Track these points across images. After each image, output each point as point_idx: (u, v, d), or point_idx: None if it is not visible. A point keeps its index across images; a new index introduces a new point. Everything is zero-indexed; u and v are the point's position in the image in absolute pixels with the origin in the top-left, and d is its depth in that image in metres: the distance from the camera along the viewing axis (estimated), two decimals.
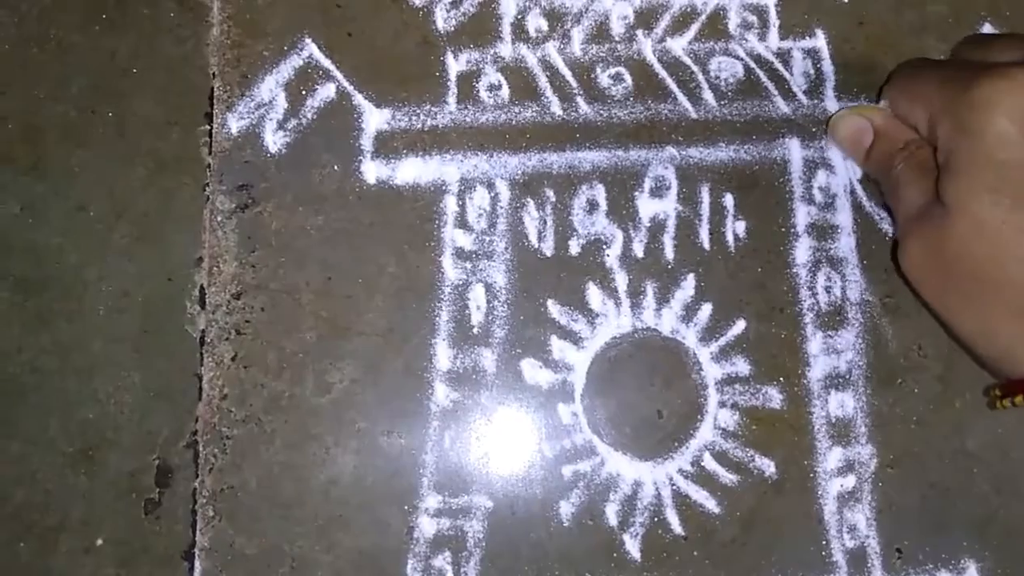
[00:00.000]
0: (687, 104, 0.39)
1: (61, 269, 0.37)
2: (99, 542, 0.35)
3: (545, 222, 0.38)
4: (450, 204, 0.38)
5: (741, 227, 0.38)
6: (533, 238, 0.38)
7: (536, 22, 0.40)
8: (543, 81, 0.39)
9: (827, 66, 0.40)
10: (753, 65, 0.39)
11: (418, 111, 0.39)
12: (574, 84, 0.39)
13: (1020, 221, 0.25)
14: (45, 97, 0.38)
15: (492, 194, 0.38)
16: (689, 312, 0.37)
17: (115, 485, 0.35)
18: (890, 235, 0.38)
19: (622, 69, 0.39)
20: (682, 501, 0.36)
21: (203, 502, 0.35)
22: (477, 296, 0.37)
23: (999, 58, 0.27)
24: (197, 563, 0.35)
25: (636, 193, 0.38)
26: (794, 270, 0.38)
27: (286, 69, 0.39)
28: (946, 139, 0.26)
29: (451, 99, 0.39)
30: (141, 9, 0.39)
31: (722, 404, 0.36)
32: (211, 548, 0.35)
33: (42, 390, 0.36)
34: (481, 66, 0.39)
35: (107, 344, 0.36)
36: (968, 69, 0.26)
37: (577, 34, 0.40)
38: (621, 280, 0.37)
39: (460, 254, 0.37)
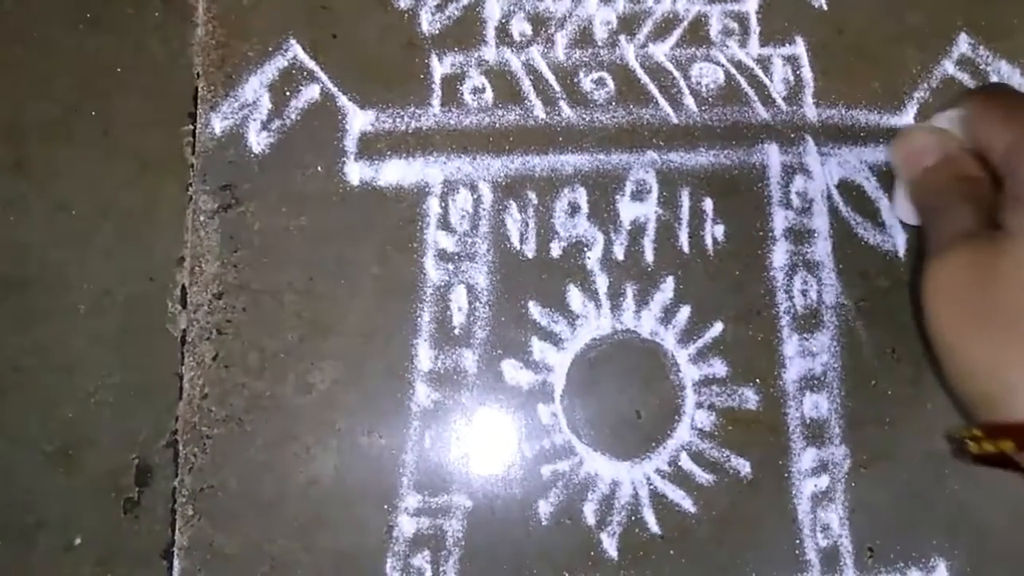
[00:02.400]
0: (668, 109, 0.39)
1: (43, 268, 0.37)
2: (78, 541, 0.35)
3: (527, 224, 0.38)
4: (433, 206, 0.38)
5: (720, 231, 0.38)
6: (515, 240, 0.38)
7: (520, 26, 0.40)
8: (527, 85, 0.39)
9: (806, 73, 0.40)
10: (734, 71, 0.40)
11: (402, 113, 0.39)
12: (557, 88, 0.40)
13: None
14: (28, 95, 0.38)
15: (475, 196, 0.38)
16: (668, 314, 0.38)
17: (95, 484, 0.35)
18: (865, 240, 0.39)
19: (605, 74, 0.40)
20: (659, 500, 0.36)
21: (183, 501, 0.35)
22: (459, 297, 0.37)
23: None
24: (176, 562, 0.35)
25: (617, 197, 0.39)
26: (771, 273, 0.38)
27: (270, 70, 0.39)
28: None
29: (435, 101, 0.39)
30: (126, 9, 0.39)
31: (699, 405, 0.37)
32: (190, 547, 0.35)
33: (23, 388, 0.36)
34: (465, 69, 0.39)
35: (88, 343, 0.36)
36: None
37: (561, 39, 0.40)
38: (601, 282, 0.38)
39: (442, 255, 0.38)
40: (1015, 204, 0.26)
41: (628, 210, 0.38)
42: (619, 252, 0.38)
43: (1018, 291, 0.25)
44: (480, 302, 0.37)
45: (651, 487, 0.36)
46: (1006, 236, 0.26)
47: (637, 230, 0.38)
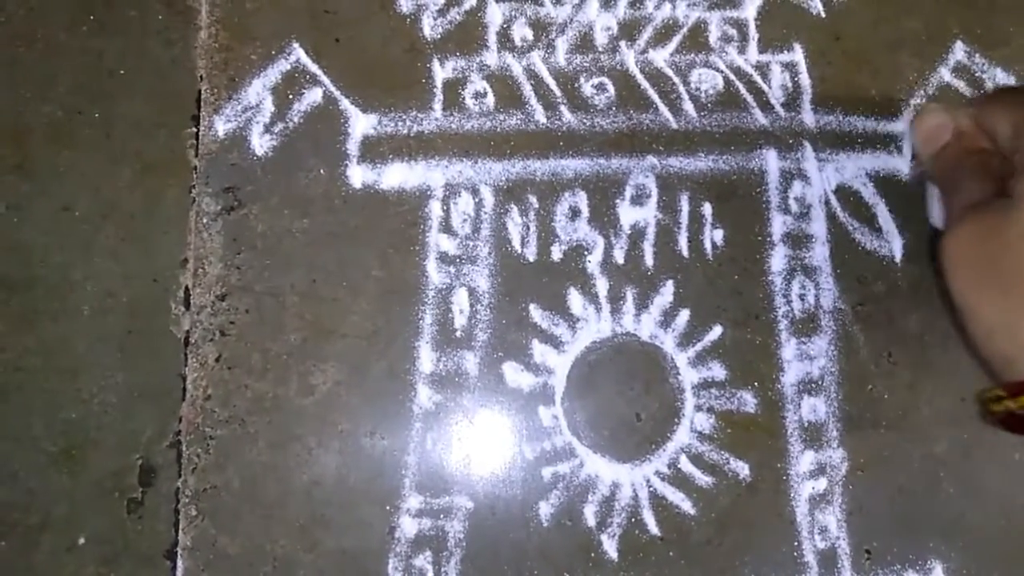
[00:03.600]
0: (668, 115, 0.40)
1: (46, 269, 0.37)
2: (81, 541, 0.35)
3: (528, 228, 0.38)
4: (435, 209, 0.38)
5: (719, 235, 0.39)
6: (516, 243, 0.38)
7: (521, 31, 0.40)
8: (528, 90, 0.40)
9: (804, 79, 0.41)
10: (732, 77, 0.40)
11: (404, 117, 0.39)
12: (558, 93, 0.40)
13: None
14: (32, 97, 0.38)
15: (476, 200, 0.39)
16: (667, 318, 0.38)
17: (98, 484, 0.35)
18: (863, 245, 0.39)
19: (605, 79, 0.40)
20: (659, 502, 0.37)
21: (186, 501, 0.35)
22: (460, 300, 0.38)
23: None
24: (179, 562, 0.35)
25: (617, 201, 0.39)
26: (770, 278, 0.39)
27: (273, 73, 0.39)
28: None
29: (437, 106, 0.39)
30: (129, 11, 0.40)
31: (698, 408, 0.37)
32: (193, 547, 0.35)
33: (26, 389, 0.36)
34: (467, 74, 0.40)
35: (92, 344, 0.36)
36: None
37: (562, 44, 0.40)
38: (602, 286, 0.38)
39: (444, 258, 0.38)
40: (1021, 172, 0.27)
41: (628, 214, 0.39)
42: (619, 256, 0.38)
43: (1021, 258, 0.26)
44: (481, 305, 0.38)
45: (651, 489, 0.37)
46: (1013, 203, 0.27)
47: (637, 234, 0.39)
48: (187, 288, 0.37)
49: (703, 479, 0.37)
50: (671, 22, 0.41)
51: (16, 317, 0.36)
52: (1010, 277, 0.27)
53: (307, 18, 0.39)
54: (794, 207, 0.39)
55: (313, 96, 0.39)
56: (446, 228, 0.38)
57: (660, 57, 0.40)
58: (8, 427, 0.35)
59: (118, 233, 0.37)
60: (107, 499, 0.35)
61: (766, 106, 0.40)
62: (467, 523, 0.36)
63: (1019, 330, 0.27)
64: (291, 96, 0.39)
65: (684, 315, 0.38)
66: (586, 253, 0.38)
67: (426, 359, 0.37)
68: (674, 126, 0.39)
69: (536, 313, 0.37)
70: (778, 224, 0.39)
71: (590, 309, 0.38)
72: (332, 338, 0.37)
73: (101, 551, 0.35)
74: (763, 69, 0.40)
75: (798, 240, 0.39)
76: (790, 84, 0.40)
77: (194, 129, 0.38)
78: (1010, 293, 0.27)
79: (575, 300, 0.38)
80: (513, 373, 0.37)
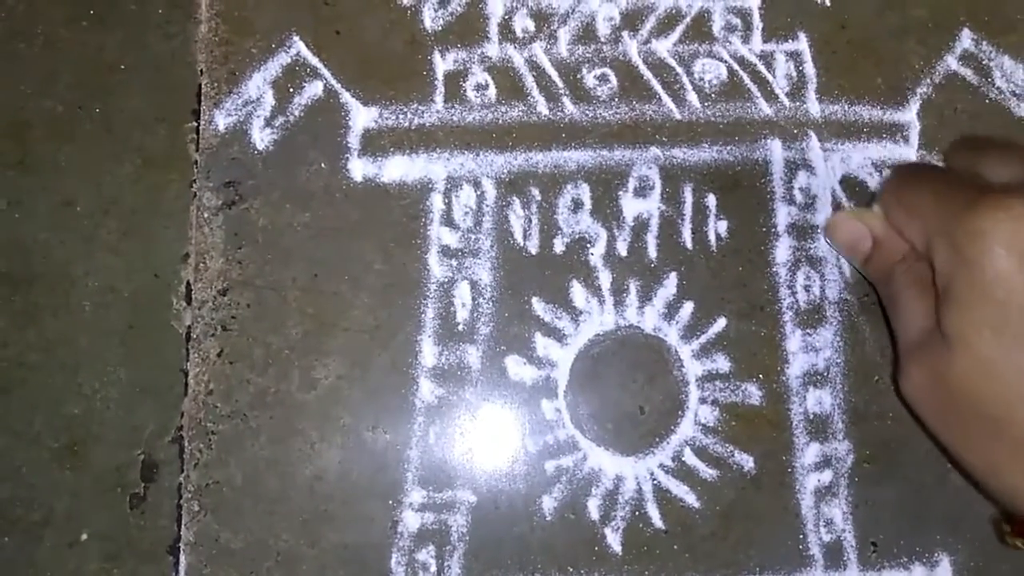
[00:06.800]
0: (671, 105, 0.40)
1: (47, 264, 0.37)
2: (84, 537, 0.35)
3: (530, 220, 0.38)
4: (436, 202, 0.38)
5: (723, 227, 0.38)
6: (518, 236, 0.38)
7: (523, 22, 0.40)
8: (530, 81, 0.40)
9: (809, 68, 0.40)
10: (736, 67, 0.40)
11: (405, 110, 0.39)
12: (560, 84, 0.40)
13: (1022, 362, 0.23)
14: (32, 92, 0.38)
15: (478, 192, 0.38)
16: (671, 310, 0.38)
17: (100, 480, 0.35)
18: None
19: (608, 70, 0.40)
20: (663, 496, 0.36)
21: (188, 497, 0.35)
22: (462, 293, 0.37)
23: (993, 175, 0.25)
24: (182, 557, 0.35)
25: (620, 192, 0.39)
26: (774, 269, 0.38)
27: (274, 66, 0.39)
28: (944, 263, 0.25)
29: (438, 98, 0.39)
30: (129, 5, 0.39)
31: (703, 400, 0.37)
32: (196, 543, 0.35)
33: (27, 385, 0.36)
34: (468, 66, 0.40)
35: (93, 339, 0.36)
36: (963, 189, 0.25)
37: (564, 35, 0.40)
38: (605, 278, 0.38)
39: (446, 252, 0.38)
40: (946, 304, 0.25)
41: (631, 206, 0.39)
42: (622, 248, 0.38)
43: (975, 403, 0.25)
44: (484, 298, 0.37)
45: (655, 482, 0.36)
46: (948, 346, 0.25)
47: (640, 226, 0.38)
48: (188, 283, 0.37)
49: (707, 472, 0.36)
50: (674, 12, 0.40)
51: (17, 313, 0.36)
52: (971, 423, 0.26)
53: (307, 11, 0.39)
54: (799, 198, 0.39)
55: (314, 89, 0.39)
56: (448, 221, 0.38)
57: (663, 47, 0.40)
58: (9, 423, 0.35)
59: (119, 228, 0.37)
60: (109, 495, 0.35)
61: (770, 96, 0.40)
62: (470, 517, 0.35)
63: (1000, 473, 0.26)
64: (291, 90, 0.39)
65: (688, 307, 0.37)
66: (589, 245, 0.38)
67: (428, 353, 0.37)
68: (677, 117, 0.39)
69: (538, 306, 0.37)
70: (783, 215, 0.39)
71: (593, 302, 0.37)
72: (334, 332, 0.37)
73: (104, 547, 0.35)
74: (767, 58, 0.40)
75: (803, 231, 0.38)
76: (795, 73, 0.40)
77: (194, 123, 0.38)
78: (977, 438, 0.26)
79: (578, 293, 0.37)
80: (516, 367, 0.37)
